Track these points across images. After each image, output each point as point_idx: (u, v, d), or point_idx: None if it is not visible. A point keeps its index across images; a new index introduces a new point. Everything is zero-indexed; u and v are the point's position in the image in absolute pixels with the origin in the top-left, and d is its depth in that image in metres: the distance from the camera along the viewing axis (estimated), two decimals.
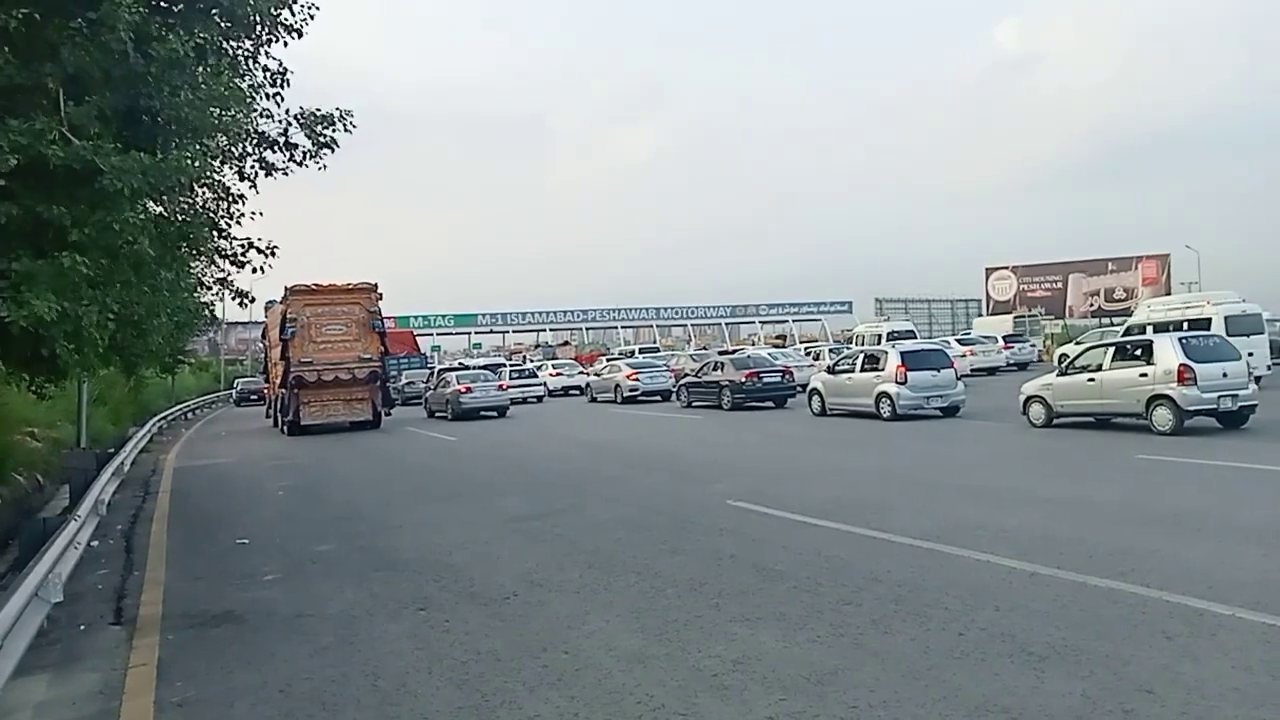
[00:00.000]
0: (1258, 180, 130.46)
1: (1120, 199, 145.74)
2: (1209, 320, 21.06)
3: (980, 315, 69.41)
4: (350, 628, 6.52)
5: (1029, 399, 17.47)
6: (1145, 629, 5.40)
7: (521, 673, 5.31)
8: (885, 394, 20.10)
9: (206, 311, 20.78)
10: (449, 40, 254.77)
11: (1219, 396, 14.63)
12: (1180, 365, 14.65)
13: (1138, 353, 15.83)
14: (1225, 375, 14.83)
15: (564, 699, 4.86)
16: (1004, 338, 39.11)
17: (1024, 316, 55.19)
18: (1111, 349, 16.61)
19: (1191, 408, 14.56)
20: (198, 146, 8.33)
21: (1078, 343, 29.83)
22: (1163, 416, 14.80)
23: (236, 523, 11.68)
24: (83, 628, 7.10)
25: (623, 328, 78.85)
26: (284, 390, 26.84)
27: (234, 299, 13.25)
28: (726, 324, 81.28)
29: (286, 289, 26.21)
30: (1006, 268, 71.12)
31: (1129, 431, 15.42)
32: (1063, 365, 17.75)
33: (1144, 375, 15.20)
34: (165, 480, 17.45)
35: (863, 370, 21.24)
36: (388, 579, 7.95)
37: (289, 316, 25.82)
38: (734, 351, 37.08)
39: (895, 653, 5.26)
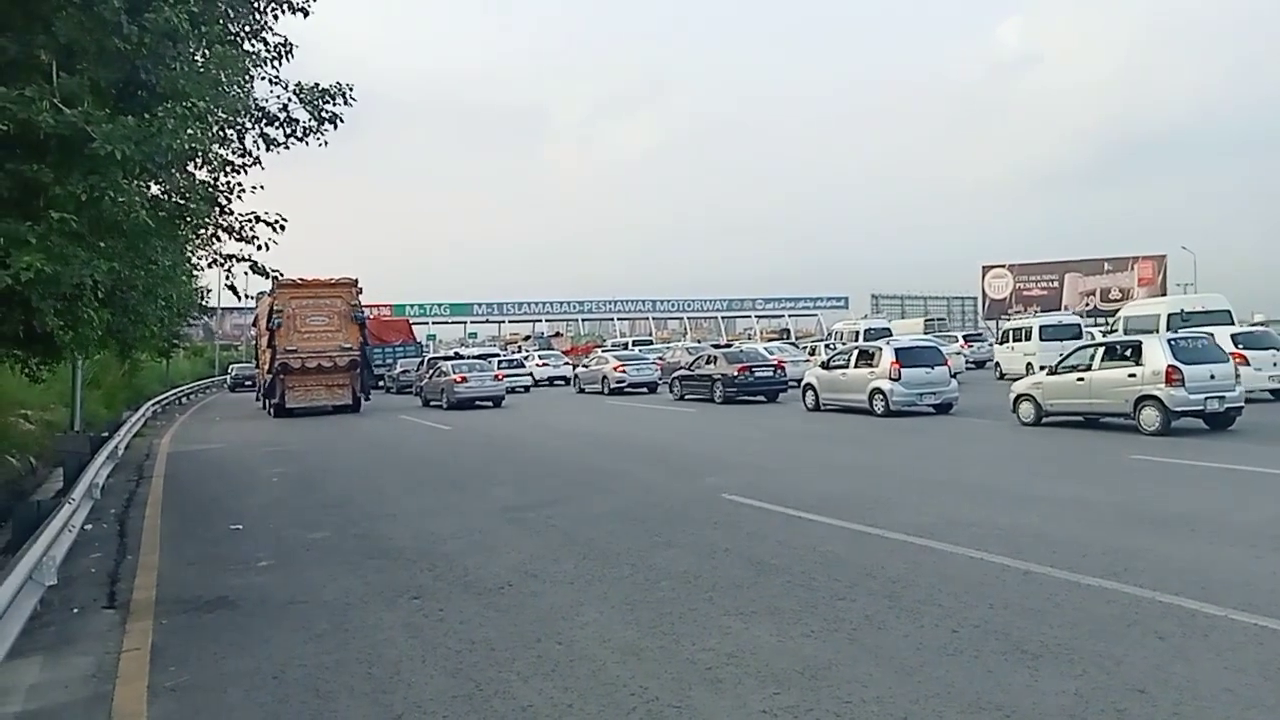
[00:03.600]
0: (1259, 181, 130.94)
1: (1118, 199, 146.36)
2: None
3: (977, 313, 70.25)
4: (344, 615, 6.52)
5: (1019, 397, 17.52)
6: (1138, 629, 5.42)
7: (516, 663, 5.32)
8: (879, 390, 20.12)
9: (200, 299, 20.68)
10: (447, 26, 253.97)
11: (1206, 398, 14.68)
12: (1168, 366, 14.70)
13: (1127, 353, 15.88)
14: (1213, 377, 14.87)
15: (558, 690, 4.87)
16: (964, 337, 39.69)
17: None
18: (1101, 349, 16.66)
19: (1179, 409, 14.62)
20: (193, 120, 8.14)
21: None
22: (1150, 417, 14.85)
23: (230, 508, 11.68)
24: (76, 611, 7.09)
25: (619, 319, 78.71)
26: (270, 375, 28.92)
27: (250, 274, 12.81)
28: (723, 318, 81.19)
29: (274, 282, 26.55)
30: (1003, 266, 71.38)
31: (1117, 431, 15.48)
32: (1052, 364, 17.82)
33: (1132, 376, 15.25)
34: (159, 465, 17.41)
35: (857, 366, 21.25)
36: (382, 567, 7.95)
37: (275, 308, 28.01)
38: (727, 345, 37.19)
39: (889, 648, 5.28)
